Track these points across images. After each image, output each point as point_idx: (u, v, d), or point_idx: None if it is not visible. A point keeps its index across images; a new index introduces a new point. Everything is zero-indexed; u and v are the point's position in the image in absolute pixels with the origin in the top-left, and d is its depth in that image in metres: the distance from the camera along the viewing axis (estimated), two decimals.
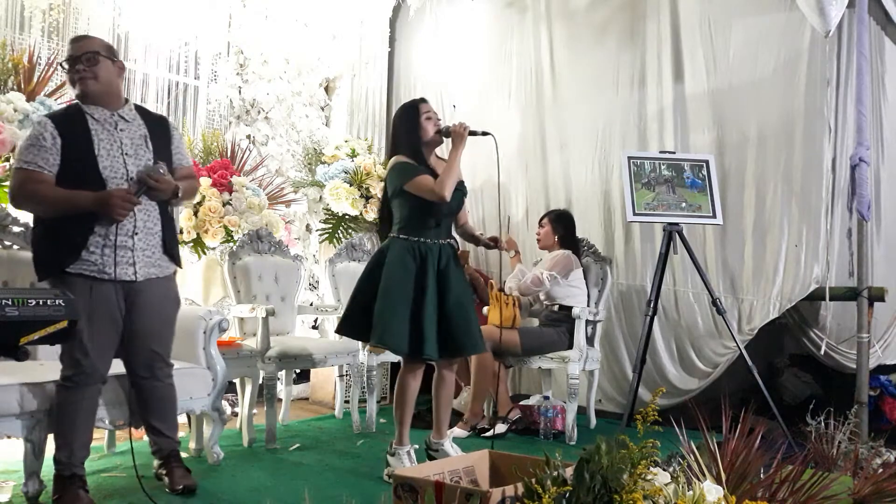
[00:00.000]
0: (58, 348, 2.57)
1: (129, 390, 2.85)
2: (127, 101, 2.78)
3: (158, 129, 2.80)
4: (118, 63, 2.74)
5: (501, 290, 4.41)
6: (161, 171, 2.64)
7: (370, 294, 3.02)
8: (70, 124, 2.61)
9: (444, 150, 3.24)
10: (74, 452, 2.59)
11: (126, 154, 2.65)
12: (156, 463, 2.91)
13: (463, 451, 3.03)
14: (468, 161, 3.21)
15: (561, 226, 4.41)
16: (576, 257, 4.34)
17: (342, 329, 3.20)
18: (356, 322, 3.08)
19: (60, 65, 2.75)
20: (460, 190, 3.13)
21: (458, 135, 3.06)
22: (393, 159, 3.11)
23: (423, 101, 3.21)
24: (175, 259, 2.84)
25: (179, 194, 2.75)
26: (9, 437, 2.57)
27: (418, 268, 3.01)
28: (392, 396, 5.11)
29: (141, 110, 2.82)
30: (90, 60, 2.64)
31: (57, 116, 2.67)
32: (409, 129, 3.13)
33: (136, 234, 2.64)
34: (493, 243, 3.19)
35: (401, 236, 3.06)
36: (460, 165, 3.08)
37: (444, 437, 3.23)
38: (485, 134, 3.12)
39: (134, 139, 2.69)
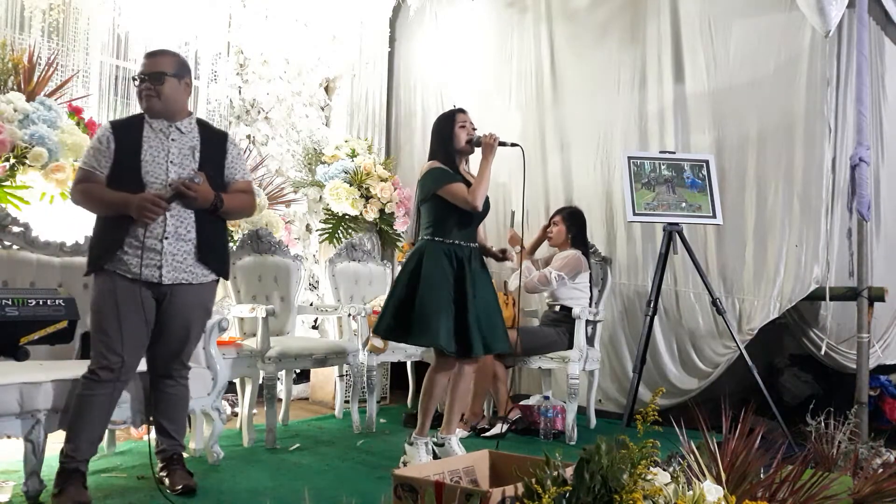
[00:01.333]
0: (58, 349, 2.57)
1: (133, 390, 2.86)
2: (190, 114, 2.89)
3: (213, 143, 2.88)
4: (185, 80, 2.84)
5: (504, 291, 4.41)
6: (196, 180, 2.70)
7: (409, 295, 3.09)
8: (127, 131, 2.76)
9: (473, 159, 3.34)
10: (80, 447, 2.62)
11: (171, 162, 2.75)
12: (158, 465, 2.92)
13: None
14: (473, 159, 3.24)
15: (574, 224, 4.40)
16: (585, 259, 4.33)
17: (380, 331, 3.20)
18: (394, 323, 3.13)
19: (133, 78, 2.84)
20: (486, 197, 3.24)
21: (487, 146, 3.17)
22: (427, 164, 3.23)
23: (460, 111, 3.33)
24: (215, 269, 2.87)
25: (220, 205, 2.79)
26: (9, 437, 2.57)
27: (456, 270, 3.11)
28: (392, 397, 5.16)
29: (202, 125, 2.92)
30: (156, 80, 2.75)
31: (118, 123, 2.85)
32: (444, 136, 3.25)
33: (166, 238, 2.71)
34: (502, 255, 3.29)
35: (436, 239, 3.15)
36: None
37: (452, 433, 3.28)
38: (514, 145, 3.23)
39: (182, 149, 2.79)
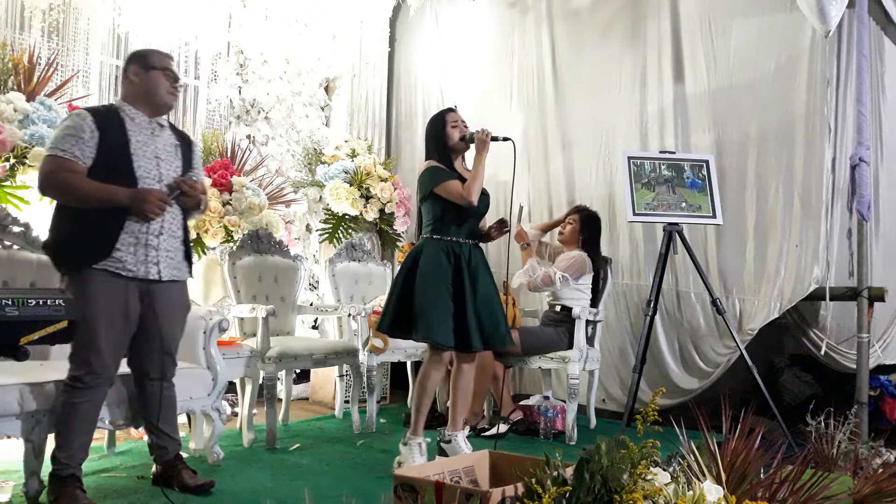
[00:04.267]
0: (60, 349, 2.57)
1: (131, 391, 2.86)
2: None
3: (184, 144, 2.92)
4: None
5: (504, 291, 4.40)
6: (195, 178, 2.77)
7: (407, 292, 3.16)
8: (109, 121, 2.66)
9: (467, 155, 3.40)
10: (74, 454, 2.59)
11: (159, 158, 2.75)
12: (156, 467, 2.91)
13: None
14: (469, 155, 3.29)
15: (588, 228, 4.40)
16: (590, 261, 4.32)
17: (383, 328, 3.27)
18: (396, 319, 3.20)
19: (164, 70, 2.77)
20: (485, 194, 3.29)
21: (480, 141, 3.25)
22: (424, 163, 3.31)
23: (450, 110, 3.43)
24: (190, 267, 2.92)
25: (202, 206, 2.91)
26: (9, 437, 2.57)
27: (453, 266, 3.17)
28: (391, 397, 5.16)
29: (170, 124, 2.93)
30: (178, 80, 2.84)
31: (96, 111, 2.70)
32: (436, 136, 3.33)
33: (162, 234, 2.72)
34: (499, 226, 3.26)
35: (434, 237, 3.22)
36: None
37: (459, 429, 3.31)
38: (506, 139, 3.30)
39: (166, 146, 2.81)
